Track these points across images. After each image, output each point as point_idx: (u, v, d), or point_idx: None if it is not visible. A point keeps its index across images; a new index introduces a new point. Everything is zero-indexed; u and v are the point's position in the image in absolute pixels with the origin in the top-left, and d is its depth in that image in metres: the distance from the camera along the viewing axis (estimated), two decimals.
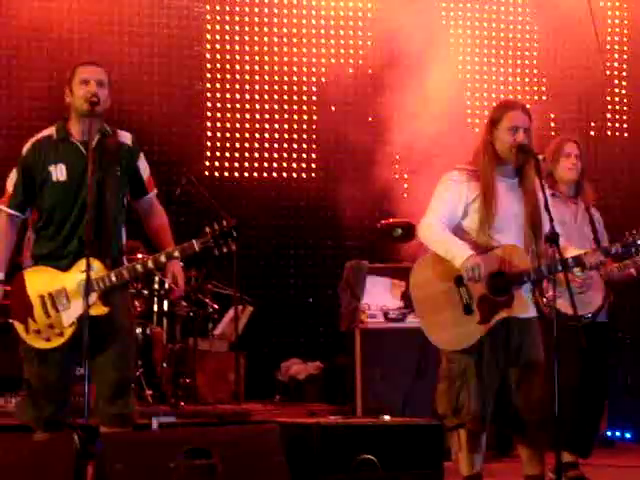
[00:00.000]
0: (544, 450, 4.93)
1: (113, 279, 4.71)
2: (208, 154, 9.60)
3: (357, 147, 9.33)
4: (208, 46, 9.71)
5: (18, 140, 5.31)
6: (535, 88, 10.05)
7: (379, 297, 7.93)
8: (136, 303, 7.74)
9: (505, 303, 4.83)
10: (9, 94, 9.09)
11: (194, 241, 4.73)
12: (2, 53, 9.08)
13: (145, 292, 7.94)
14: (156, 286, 7.98)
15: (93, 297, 4.62)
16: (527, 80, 10.11)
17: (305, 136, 9.82)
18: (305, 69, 9.80)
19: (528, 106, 5.08)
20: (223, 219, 4.79)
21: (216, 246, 4.72)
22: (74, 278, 4.71)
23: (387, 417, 5.84)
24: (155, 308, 8.09)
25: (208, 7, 9.71)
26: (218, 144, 9.64)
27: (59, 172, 4.81)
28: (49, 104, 8.52)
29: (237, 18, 9.76)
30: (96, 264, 4.65)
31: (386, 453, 5.47)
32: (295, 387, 8.73)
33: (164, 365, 7.94)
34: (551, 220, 4.65)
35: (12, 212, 4.91)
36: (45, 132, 4.93)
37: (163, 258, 4.77)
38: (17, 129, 8.75)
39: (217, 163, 9.62)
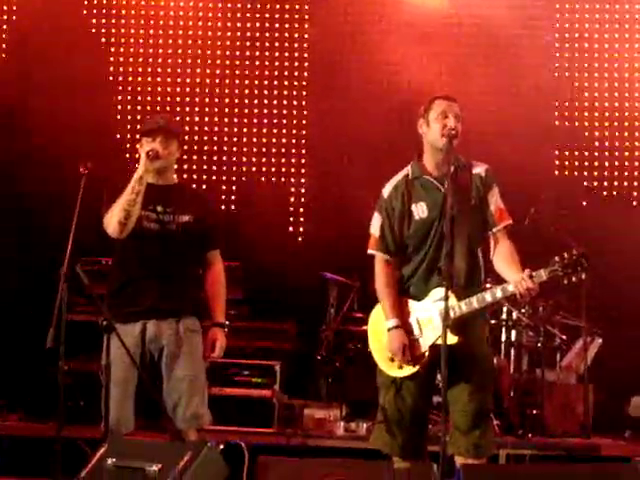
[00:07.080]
0: None
1: (463, 308, 4.75)
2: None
3: None
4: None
5: None
6: None
7: None
8: None
9: None
10: None
11: (542, 270, 4.66)
12: None
13: (492, 322, 7.93)
14: (504, 316, 7.95)
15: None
16: None
17: None
18: None
19: None
20: (572, 248, 4.70)
21: (565, 275, 4.63)
22: (426, 307, 4.80)
23: None
24: (503, 338, 8.08)
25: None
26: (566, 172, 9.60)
27: (420, 210, 4.93)
28: None
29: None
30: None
31: None
32: None
33: (511, 395, 7.90)
34: None
35: (386, 256, 5.02)
36: (402, 173, 5.04)
37: (511, 288, 4.72)
38: None
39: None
